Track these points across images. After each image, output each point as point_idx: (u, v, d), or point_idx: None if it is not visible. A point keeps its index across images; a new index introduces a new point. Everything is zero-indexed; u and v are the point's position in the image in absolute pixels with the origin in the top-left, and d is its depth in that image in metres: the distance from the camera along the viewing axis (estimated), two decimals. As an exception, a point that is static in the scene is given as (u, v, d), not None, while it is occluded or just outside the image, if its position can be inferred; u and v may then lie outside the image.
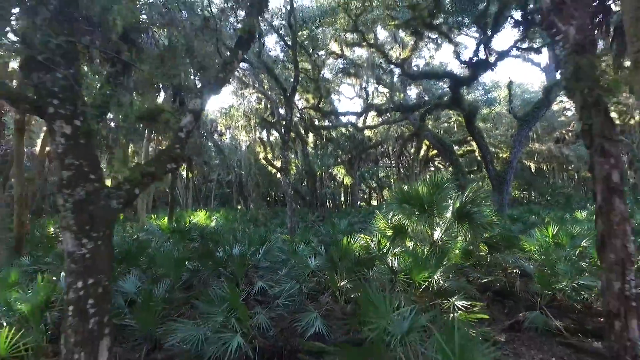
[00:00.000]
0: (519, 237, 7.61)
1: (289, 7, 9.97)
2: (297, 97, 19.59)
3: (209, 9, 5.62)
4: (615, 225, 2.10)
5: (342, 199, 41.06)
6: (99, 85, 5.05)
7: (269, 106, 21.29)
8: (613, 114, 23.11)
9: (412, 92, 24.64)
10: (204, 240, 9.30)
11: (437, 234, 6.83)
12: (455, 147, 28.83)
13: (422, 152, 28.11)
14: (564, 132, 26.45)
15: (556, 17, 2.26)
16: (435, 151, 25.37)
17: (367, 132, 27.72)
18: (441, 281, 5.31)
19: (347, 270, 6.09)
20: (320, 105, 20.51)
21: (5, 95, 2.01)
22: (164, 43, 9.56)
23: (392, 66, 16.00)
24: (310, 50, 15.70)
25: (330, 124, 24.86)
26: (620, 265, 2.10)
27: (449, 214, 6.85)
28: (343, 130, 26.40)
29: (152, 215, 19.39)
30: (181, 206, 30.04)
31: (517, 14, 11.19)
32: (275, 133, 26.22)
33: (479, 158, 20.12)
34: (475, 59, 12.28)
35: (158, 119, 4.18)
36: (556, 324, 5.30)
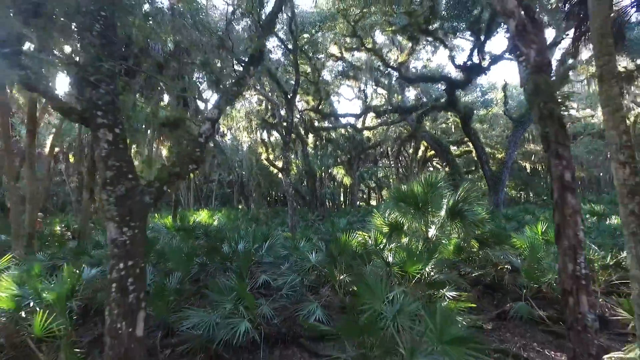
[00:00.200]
0: (508, 234, 8.00)
1: (290, 14, 10.36)
2: (297, 98, 19.97)
3: (225, 31, 6.10)
4: (568, 216, 2.50)
5: (342, 198, 41.44)
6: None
7: (269, 107, 21.68)
8: (608, 115, 23.58)
9: (411, 93, 25.09)
10: (209, 237, 9.68)
11: (432, 231, 7.23)
12: (453, 148, 29.27)
13: (420, 153, 28.53)
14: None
15: (520, 42, 2.66)
16: (433, 151, 25.79)
17: (366, 133, 28.14)
18: (433, 273, 5.71)
19: (345, 264, 6.48)
20: (320, 107, 20.93)
21: (59, 108, 2.41)
22: (170, 50, 10.03)
23: (389, 69, 16.43)
24: (311, 54, 16.11)
25: (330, 125, 25.28)
26: (573, 250, 2.50)
27: (442, 212, 7.24)
28: (342, 131, 26.82)
29: (156, 215, 19.75)
30: (183, 206, 30.40)
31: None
32: (275, 134, 26.62)
33: (476, 158, 20.54)
34: (469, 63, 12.72)
35: (180, 126, 4.57)
36: (540, 313, 5.72)
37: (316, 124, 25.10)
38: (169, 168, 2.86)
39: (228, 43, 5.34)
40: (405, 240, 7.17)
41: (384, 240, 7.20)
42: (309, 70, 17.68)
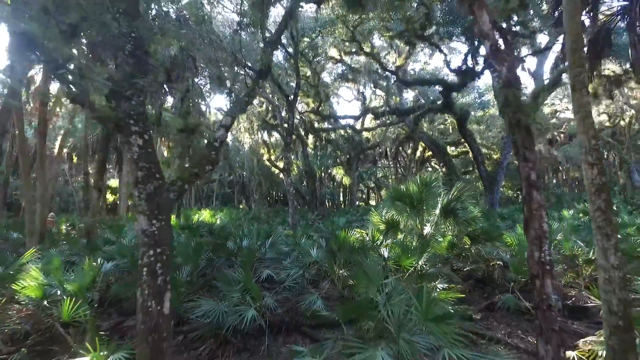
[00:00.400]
0: (499, 232, 8.39)
1: (291, 22, 10.76)
2: (297, 100, 20.37)
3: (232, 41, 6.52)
4: (534, 211, 2.89)
5: (341, 198, 41.84)
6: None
7: (270, 109, 22.08)
8: (604, 117, 23.80)
9: (409, 94, 25.52)
10: (213, 235, 10.07)
11: (427, 228, 7.63)
12: (452, 148, 29.71)
13: (418, 153, 28.95)
14: (555, 133, 27.33)
15: (493, 60, 3.06)
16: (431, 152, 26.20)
17: (365, 134, 28.56)
18: (426, 267, 6.11)
19: (344, 260, 6.87)
20: (320, 108, 21.34)
21: (98, 118, 2.81)
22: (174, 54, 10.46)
23: (387, 73, 16.87)
24: (311, 58, 16.52)
25: (329, 126, 25.70)
26: (539, 240, 2.90)
27: (437, 211, 7.64)
28: (342, 132, 27.25)
29: (159, 214, 20.10)
30: (184, 206, 30.78)
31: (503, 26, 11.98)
32: (276, 134, 27.03)
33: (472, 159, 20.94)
34: (464, 67, 13.14)
35: (196, 131, 4.97)
36: (525, 304, 6.11)
37: (316, 125, 25.53)
38: (189, 169, 3.27)
39: (240, 59, 5.75)
40: (400, 237, 7.57)
41: (381, 237, 7.60)
42: (309, 73, 18.10)
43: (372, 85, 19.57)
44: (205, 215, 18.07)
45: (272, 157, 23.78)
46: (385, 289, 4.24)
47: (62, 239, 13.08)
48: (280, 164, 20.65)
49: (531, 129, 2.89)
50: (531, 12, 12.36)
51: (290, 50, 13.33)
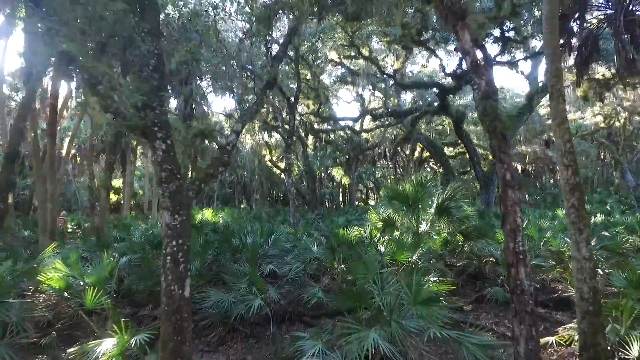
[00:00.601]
0: (491, 229, 8.79)
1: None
2: (298, 103, 20.76)
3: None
4: (510, 207, 3.29)
5: (341, 198, 42.22)
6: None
7: (271, 110, 22.49)
8: (599, 118, 24.23)
9: (407, 95, 25.94)
10: (218, 234, 10.46)
11: (422, 226, 8.01)
12: (450, 149, 30.13)
13: (416, 154, 29.37)
14: (551, 134, 27.74)
15: (474, 74, 3.46)
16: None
17: (364, 135, 28.98)
18: (419, 261, 6.51)
19: (343, 256, 7.27)
20: (320, 110, 21.77)
21: (128, 126, 3.21)
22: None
23: (385, 76, 17.30)
24: (311, 62, 16.94)
25: (329, 128, 26.14)
26: (513, 232, 3.29)
27: (432, 209, 8.03)
28: (341, 133, 27.67)
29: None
30: (186, 206, 31.05)
31: (496, 32, 12.48)
32: (276, 135, 27.43)
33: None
34: (459, 71, 13.56)
35: (210, 136, 5.37)
36: (513, 296, 6.53)
37: (316, 126, 25.95)
38: (205, 170, 3.67)
39: (250, 73, 6.17)
40: (397, 234, 7.96)
41: (378, 234, 8.00)
42: (309, 76, 18.52)
43: (370, 87, 20.00)
44: (207, 214, 18.47)
45: (274, 158, 24.20)
46: (381, 279, 4.64)
47: (70, 237, 13.50)
48: (282, 165, 21.06)
49: (506, 135, 3.29)
50: (526, 15, 12.77)
51: (291, 54, 13.75)
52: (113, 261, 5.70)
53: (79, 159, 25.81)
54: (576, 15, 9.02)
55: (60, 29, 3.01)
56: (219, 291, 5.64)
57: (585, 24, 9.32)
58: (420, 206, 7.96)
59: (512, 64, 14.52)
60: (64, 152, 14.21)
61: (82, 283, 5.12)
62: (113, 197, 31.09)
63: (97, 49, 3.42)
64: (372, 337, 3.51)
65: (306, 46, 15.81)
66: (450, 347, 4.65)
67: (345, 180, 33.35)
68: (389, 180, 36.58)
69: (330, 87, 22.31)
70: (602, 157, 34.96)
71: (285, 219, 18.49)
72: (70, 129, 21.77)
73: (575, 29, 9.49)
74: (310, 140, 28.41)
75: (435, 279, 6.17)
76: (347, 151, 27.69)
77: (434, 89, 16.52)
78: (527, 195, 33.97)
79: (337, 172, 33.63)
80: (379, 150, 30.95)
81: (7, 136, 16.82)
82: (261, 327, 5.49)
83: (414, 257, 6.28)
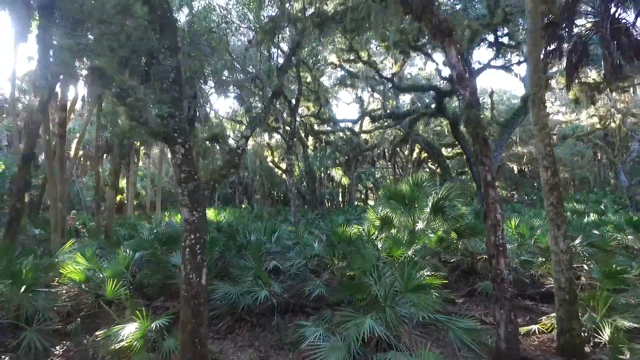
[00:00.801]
0: (484, 227, 9.17)
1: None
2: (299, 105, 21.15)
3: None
4: (491, 204, 3.69)
5: (340, 198, 42.64)
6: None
7: (272, 112, 22.89)
8: (595, 119, 24.64)
9: (406, 97, 26.37)
10: (222, 232, 10.84)
11: (419, 225, 8.40)
12: (448, 149, 30.54)
13: (415, 155, 29.79)
14: (548, 135, 28.13)
15: (459, 86, 3.86)
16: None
17: (363, 136, 29.41)
18: (414, 257, 6.90)
19: (343, 252, 7.66)
20: (320, 112, 22.19)
21: (151, 132, 3.61)
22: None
23: (383, 79, 17.73)
24: (311, 65, 17.36)
25: (329, 129, 26.56)
26: (494, 227, 3.69)
27: (427, 208, 8.41)
28: (341, 134, 28.10)
29: (166, 213, 20.93)
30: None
31: (491, 37, 12.88)
32: (277, 136, 27.84)
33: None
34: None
35: (221, 140, 5.77)
36: (503, 290, 6.94)
37: (316, 127, 26.36)
38: (218, 171, 4.07)
39: (258, 82, 6.56)
40: (393, 231, 8.35)
41: (376, 232, 8.40)
42: (309, 79, 18.94)
43: (369, 89, 20.44)
44: (210, 214, 18.86)
45: (275, 159, 24.59)
46: (377, 271, 5.04)
47: (79, 235, 13.89)
48: (283, 165, 21.45)
49: (487, 140, 3.69)
50: (520, 22, 13.18)
51: (293, 58, 14.16)
52: (128, 256, 6.08)
53: (82, 159, 26.19)
54: (565, 24, 9.44)
55: (88, 45, 3.41)
56: (227, 284, 6.03)
57: (574, 31, 9.74)
58: (416, 205, 8.34)
59: (507, 68, 14.91)
60: (72, 153, 14.55)
61: (100, 276, 5.51)
62: (116, 197, 31.42)
63: (120, 64, 3.82)
64: (368, 323, 3.90)
65: (307, 50, 16.23)
66: (441, 334, 5.05)
67: (345, 181, 33.78)
68: (388, 181, 36.99)
69: (330, 89, 22.74)
70: (598, 158, 35.41)
71: (286, 219, 18.88)
72: (75, 130, 22.20)
73: (565, 35, 9.91)
74: (311, 141, 28.82)
75: (429, 273, 6.59)
76: (347, 152, 28.11)
77: (431, 92, 16.93)
78: (524, 196, 34.50)
79: (337, 173, 34.06)
80: (378, 151, 31.38)
81: (20, 137, 17.22)
82: (266, 317, 5.88)
83: (409, 253, 6.66)
